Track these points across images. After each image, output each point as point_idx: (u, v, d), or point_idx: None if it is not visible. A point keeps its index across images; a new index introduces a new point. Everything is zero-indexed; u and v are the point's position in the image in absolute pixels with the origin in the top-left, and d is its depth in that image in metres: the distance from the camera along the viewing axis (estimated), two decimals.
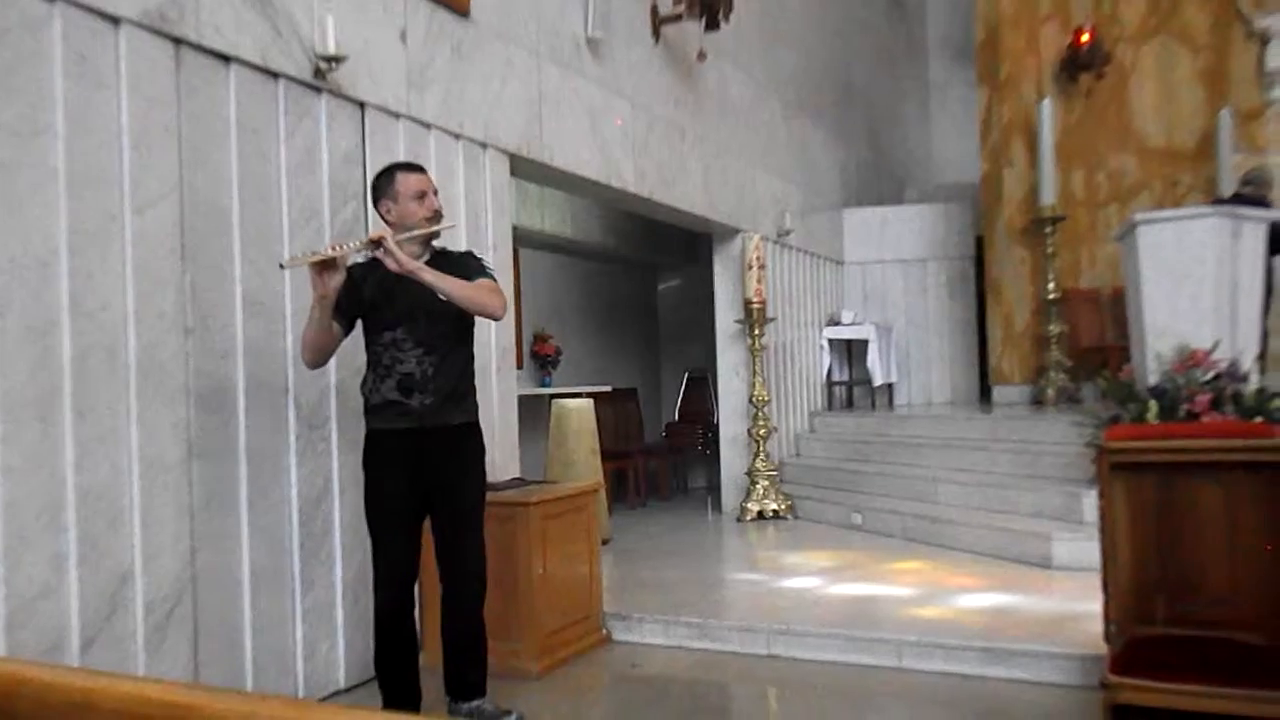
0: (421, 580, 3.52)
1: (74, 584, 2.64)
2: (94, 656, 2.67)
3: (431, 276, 2.82)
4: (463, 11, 4.31)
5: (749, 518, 6.82)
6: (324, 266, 2.77)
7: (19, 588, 2.51)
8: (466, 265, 3.03)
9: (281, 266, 3.01)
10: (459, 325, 3.01)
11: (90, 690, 0.85)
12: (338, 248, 2.81)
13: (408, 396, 2.92)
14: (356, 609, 3.53)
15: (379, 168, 3.12)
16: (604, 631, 4.17)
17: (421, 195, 2.98)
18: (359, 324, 3.02)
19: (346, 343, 3.04)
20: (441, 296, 2.85)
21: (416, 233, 2.93)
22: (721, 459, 7.59)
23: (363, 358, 3.05)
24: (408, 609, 3.04)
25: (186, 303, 3.03)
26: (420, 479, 2.96)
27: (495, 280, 3.05)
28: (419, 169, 3.06)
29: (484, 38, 4.46)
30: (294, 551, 3.39)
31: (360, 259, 3.01)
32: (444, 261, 3.00)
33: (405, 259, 2.78)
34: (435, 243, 3.04)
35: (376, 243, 2.78)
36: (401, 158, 3.65)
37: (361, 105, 3.77)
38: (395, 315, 2.93)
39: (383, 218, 3.03)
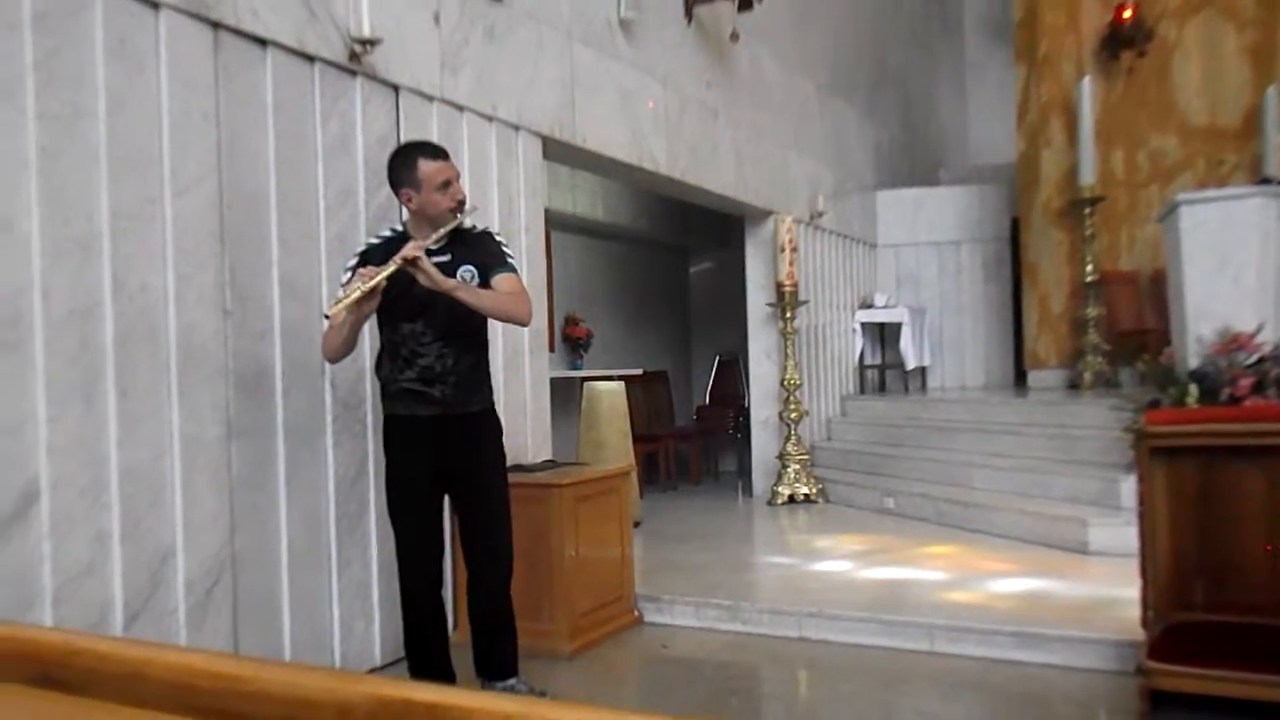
0: (452, 559, 3.55)
1: (117, 561, 2.70)
2: (137, 632, 2.72)
3: (466, 295, 2.81)
4: None
5: (780, 501, 6.81)
6: (364, 297, 2.73)
7: (64, 564, 2.57)
8: (487, 250, 2.98)
9: (326, 317, 2.88)
10: (476, 315, 2.97)
11: (140, 660, 0.87)
12: (373, 277, 2.72)
13: (429, 386, 2.93)
14: (392, 587, 3.55)
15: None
16: (635, 613, 4.19)
17: (446, 184, 2.90)
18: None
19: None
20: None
21: (443, 230, 2.89)
22: (752, 442, 7.58)
23: None
24: (437, 590, 3.06)
25: (225, 285, 3.07)
26: (442, 463, 2.98)
27: (515, 268, 3.01)
28: (441, 154, 2.95)
29: (516, 19, 4.46)
30: (331, 530, 3.44)
31: (375, 240, 3.04)
32: (462, 244, 2.97)
33: (440, 279, 2.75)
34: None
35: (411, 262, 2.73)
36: (435, 140, 3.64)
37: (395, 88, 3.78)
38: (414, 305, 2.88)
39: (403, 204, 2.99)
